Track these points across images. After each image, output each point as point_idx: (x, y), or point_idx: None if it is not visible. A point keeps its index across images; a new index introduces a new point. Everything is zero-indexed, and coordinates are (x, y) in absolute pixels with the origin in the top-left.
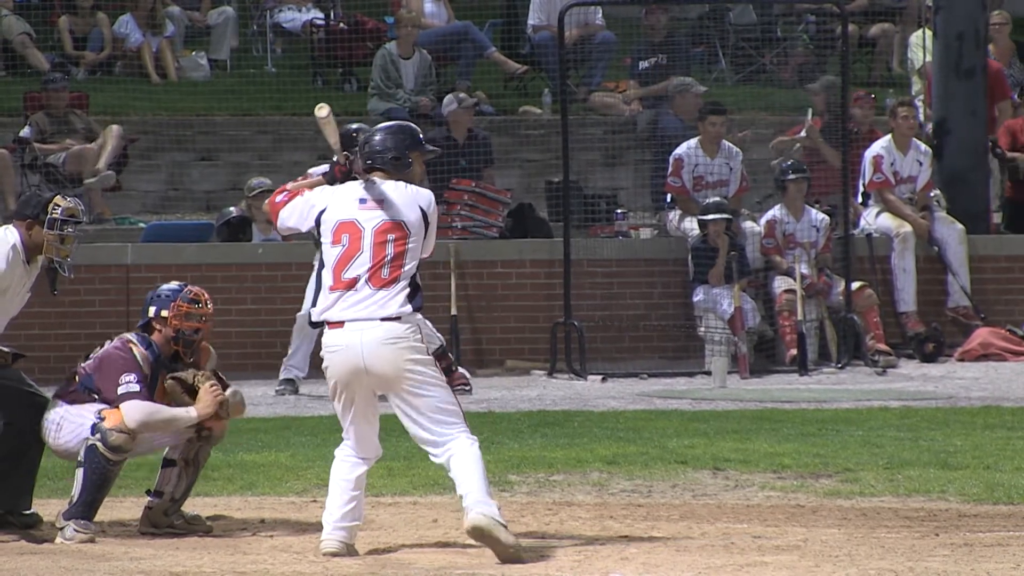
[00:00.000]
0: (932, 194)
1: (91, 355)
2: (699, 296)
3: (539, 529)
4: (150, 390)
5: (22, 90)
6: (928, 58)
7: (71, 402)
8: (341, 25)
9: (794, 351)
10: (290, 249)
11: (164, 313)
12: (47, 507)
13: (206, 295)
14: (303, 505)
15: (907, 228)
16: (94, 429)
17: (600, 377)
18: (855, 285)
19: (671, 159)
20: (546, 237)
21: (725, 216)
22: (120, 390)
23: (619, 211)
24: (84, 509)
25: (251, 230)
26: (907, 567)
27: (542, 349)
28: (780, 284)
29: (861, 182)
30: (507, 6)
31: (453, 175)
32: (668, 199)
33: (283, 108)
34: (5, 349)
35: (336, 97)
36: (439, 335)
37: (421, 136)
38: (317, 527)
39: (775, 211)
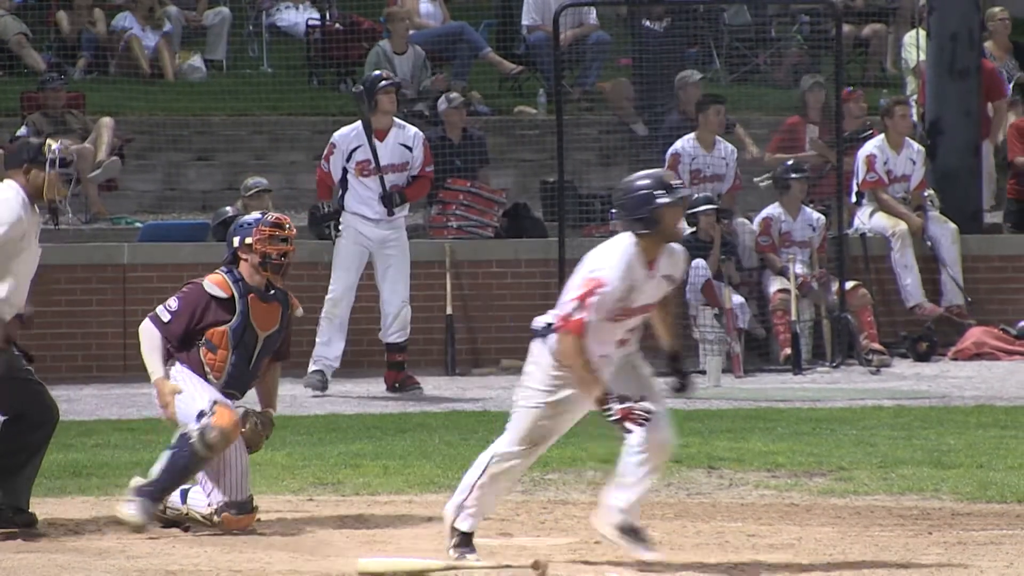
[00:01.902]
0: (926, 194)
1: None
2: (690, 295)
3: (534, 528)
4: (207, 309)
5: (19, 90)
6: (922, 58)
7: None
8: (336, 25)
9: (788, 350)
10: None
11: (248, 240)
12: (43, 506)
13: (287, 219)
14: (299, 504)
15: (903, 227)
16: (199, 418)
17: None
18: (849, 284)
19: (668, 155)
20: (541, 237)
21: (714, 207)
22: (158, 309)
23: (613, 211)
24: (158, 492)
25: None
26: (900, 565)
27: None
28: (775, 283)
29: (855, 181)
30: (502, 6)
31: (448, 175)
32: None
33: (279, 108)
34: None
35: (332, 97)
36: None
37: (659, 184)
38: (313, 525)
39: (772, 209)
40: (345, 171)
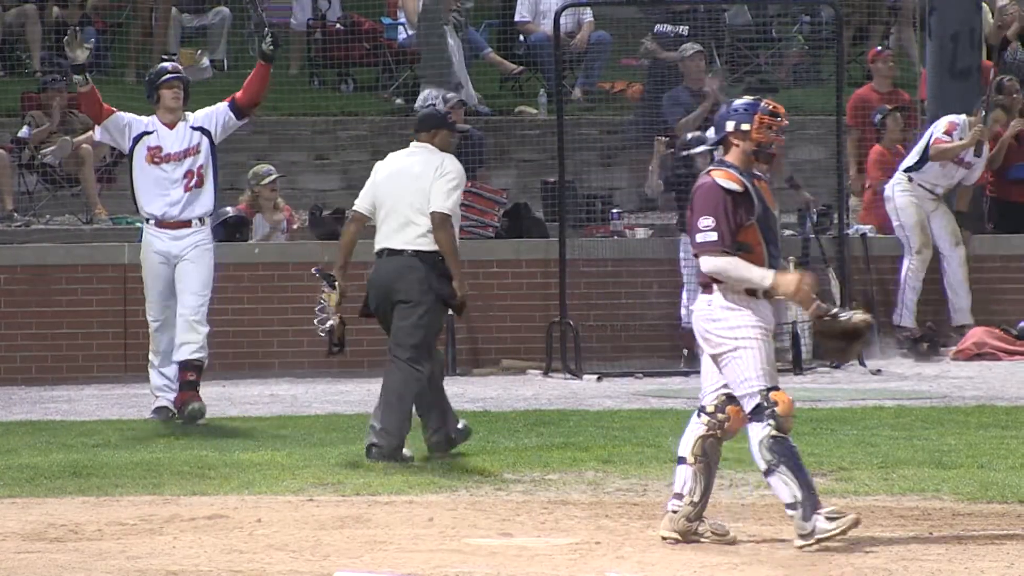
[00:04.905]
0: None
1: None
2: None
3: (535, 528)
4: (735, 207)
5: (19, 90)
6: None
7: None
8: (338, 26)
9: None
10: (287, 249)
11: (745, 127)
12: (43, 506)
13: (782, 108)
14: (299, 504)
15: (924, 237)
16: (760, 414)
17: (595, 376)
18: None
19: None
20: (542, 237)
21: (709, 148)
22: (698, 238)
23: (615, 211)
24: (814, 498)
25: (248, 230)
26: (901, 565)
27: (538, 349)
28: None
29: (925, 142)
30: (503, 7)
31: None
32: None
33: (280, 109)
34: None
35: (332, 97)
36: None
37: None
38: (314, 525)
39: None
40: (132, 156)
